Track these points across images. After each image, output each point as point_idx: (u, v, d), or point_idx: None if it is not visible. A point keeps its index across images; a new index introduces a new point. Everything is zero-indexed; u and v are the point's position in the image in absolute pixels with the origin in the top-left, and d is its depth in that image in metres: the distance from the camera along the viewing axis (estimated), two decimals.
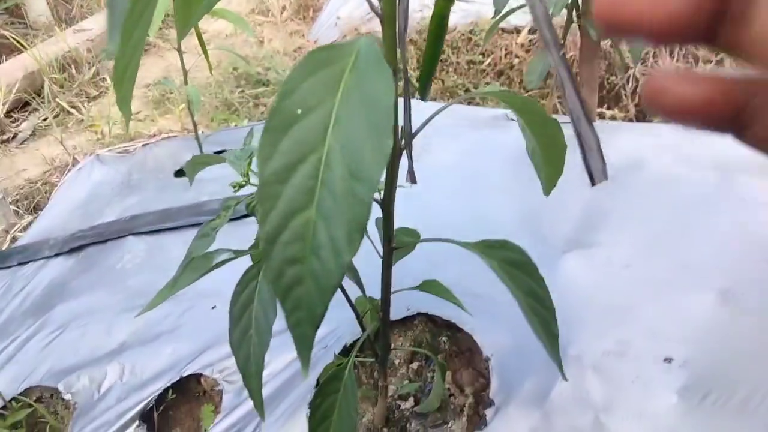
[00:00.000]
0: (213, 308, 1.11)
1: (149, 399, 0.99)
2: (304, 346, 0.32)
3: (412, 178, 0.57)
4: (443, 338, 1.00)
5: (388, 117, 0.30)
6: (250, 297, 0.56)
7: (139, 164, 1.64)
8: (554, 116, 0.47)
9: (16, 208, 1.76)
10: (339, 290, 0.31)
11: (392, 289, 0.62)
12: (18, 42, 2.42)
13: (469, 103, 1.78)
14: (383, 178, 0.49)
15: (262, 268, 0.56)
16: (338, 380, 0.64)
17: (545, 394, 0.84)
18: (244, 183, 0.62)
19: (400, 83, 0.47)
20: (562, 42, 1.24)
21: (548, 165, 0.48)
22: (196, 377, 1.03)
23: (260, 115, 2.06)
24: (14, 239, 1.58)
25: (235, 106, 2.11)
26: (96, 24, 2.63)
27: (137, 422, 0.97)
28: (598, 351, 0.87)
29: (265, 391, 0.74)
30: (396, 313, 0.95)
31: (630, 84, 1.81)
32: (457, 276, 0.84)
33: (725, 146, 1.15)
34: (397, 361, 0.98)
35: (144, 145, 1.71)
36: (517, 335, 0.92)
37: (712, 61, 1.78)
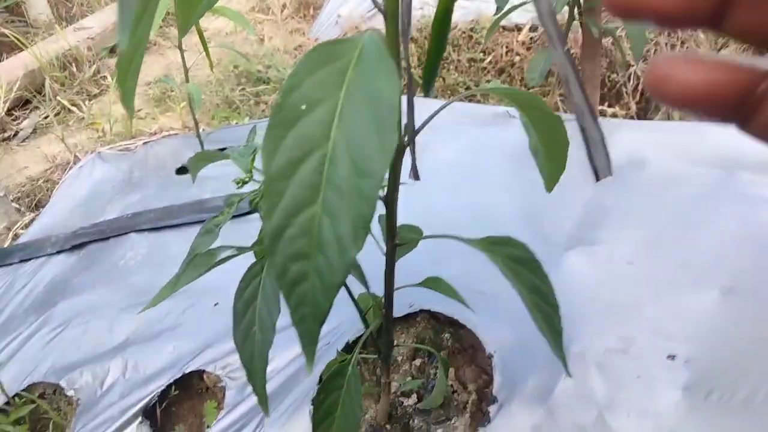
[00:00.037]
0: (215, 305, 1.11)
1: (152, 395, 0.99)
2: (309, 342, 0.32)
3: (415, 175, 0.57)
4: (446, 335, 1.00)
5: (393, 112, 0.29)
6: (254, 293, 0.56)
7: (140, 162, 1.64)
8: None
9: (18, 206, 1.76)
10: (342, 287, 0.31)
11: (395, 286, 0.62)
12: (18, 40, 2.42)
13: (470, 101, 1.78)
14: (387, 174, 0.49)
15: (266, 264, 0.56)
16: (341, 377, 0.64)
17: (548, 391, 0.84)
18: (247, 179, 0.62)
19: (404, 80, 0.47)
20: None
21: (550, 161, 0.47)
22: (199, 374, 1.03)
23: (261, 112, 2.06)
24: (16, 237, 1.59)
25: (236, 103, 2.11)
26: (96, 22, 2.63)
27: (140, 418, 0.97)
28: (601, 348, 0.87)
29: (269, 388, 0.74)
30: (399, 309, 0.95)
31: (631, 81, 1.80)
32: (460, 273, 0.84)
33: (727, 143, 1.14)
34: (400, 358, 0.98)
35: (145, 143, 1.71)
36: (520, 332, 0.92)
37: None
